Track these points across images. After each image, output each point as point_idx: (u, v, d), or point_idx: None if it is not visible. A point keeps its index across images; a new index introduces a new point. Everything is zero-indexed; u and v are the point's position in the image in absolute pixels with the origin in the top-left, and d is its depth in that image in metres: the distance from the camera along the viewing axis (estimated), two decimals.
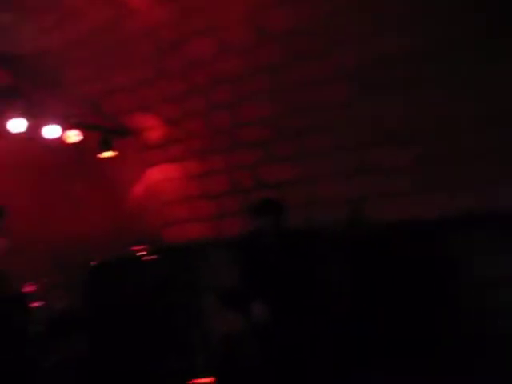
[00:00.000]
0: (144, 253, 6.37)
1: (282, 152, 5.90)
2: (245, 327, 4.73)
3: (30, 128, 5.91)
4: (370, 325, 4.95)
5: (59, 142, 6.18)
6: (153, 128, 6.50)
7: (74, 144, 6.30)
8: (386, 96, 5.06)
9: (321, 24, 4.87)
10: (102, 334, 5.92)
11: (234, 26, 5.14)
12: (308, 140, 5.68)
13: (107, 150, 6.49)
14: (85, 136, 6.34)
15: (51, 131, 6.07)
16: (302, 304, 4.50)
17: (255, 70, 5.46)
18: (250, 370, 4.62)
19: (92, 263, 6.27)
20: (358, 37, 4.86)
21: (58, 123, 6.12)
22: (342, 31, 4.82)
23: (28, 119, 5.87)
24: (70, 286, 5.94)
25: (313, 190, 5.75)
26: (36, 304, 5.00)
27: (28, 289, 4.78)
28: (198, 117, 6.15)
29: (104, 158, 6.54)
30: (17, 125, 5.77)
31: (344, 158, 5.48)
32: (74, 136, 6.24)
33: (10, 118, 5.74)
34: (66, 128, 6.20)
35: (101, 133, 6.51)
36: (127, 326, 5.89)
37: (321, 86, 5.31)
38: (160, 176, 6.88)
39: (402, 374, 4.51)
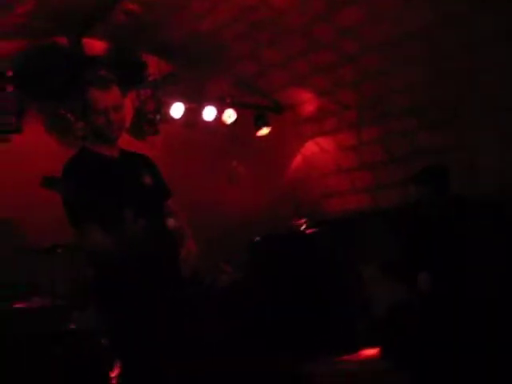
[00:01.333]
0: (305, 226, 6.44)
1: (440, 118, 5.69)
2: (410, 297, 4.69)
3: (189, 111, 6.19)
4: None
5: (217, 122, 6.41)
6: (306, 101, 6.52)
7: (231, 123, 6.50)
8: None
9: None
10: (268, 307, 6.10)
11: None
12: (467, 105, 5.43)
13: (263, 127, 6.64)
14: (241, 114, 6.52)
15: (209, 113, 6.31)
16: (466, 275, 4.37)
17: (406, 36, 5.29)
18: (415, 340, 4.58)
19: (255, 238, 6.43)
20: None
21: (214, 104, 6.35)
22: None
23: (187, 103, 6.15)
24: (234, 261, 6.17)
25: (476, 158, 5.50)
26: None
27: None
28: (350, 87, 6.09)
29: (261, 135, 6.70)
30: (177, 109, 6.07)
31: (509, 123, 5.17)
32: (231, 116, 6.44)
33: (171, 103, 6.04)
34: (222, 108, 6.41)
35: (256, 110, 6.66)
36: (292, 299, 6.01)
37: (476, 49, 5.04)
38: (316, 149, 6.91)
39: None
